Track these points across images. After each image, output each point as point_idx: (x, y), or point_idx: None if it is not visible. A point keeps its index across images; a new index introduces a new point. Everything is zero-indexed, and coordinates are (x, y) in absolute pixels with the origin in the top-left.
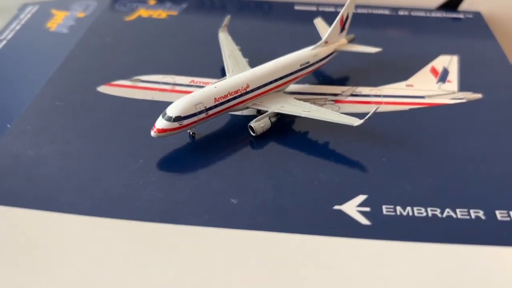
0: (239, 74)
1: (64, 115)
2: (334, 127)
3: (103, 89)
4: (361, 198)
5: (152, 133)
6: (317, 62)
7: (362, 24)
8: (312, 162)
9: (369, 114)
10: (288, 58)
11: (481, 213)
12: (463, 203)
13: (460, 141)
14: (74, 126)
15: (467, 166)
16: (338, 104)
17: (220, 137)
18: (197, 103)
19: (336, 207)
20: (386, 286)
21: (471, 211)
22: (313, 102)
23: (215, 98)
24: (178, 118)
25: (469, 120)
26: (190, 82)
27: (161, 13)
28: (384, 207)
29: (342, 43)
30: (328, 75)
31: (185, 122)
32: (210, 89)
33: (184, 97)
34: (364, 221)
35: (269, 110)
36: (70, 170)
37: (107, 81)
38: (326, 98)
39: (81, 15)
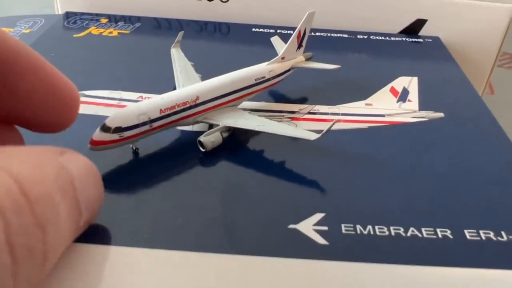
0: (189, 86)
1: None
2: (290, 144)
3: None
4: (318, 216)
5: (89, 146)
6: (273, 77)
7: (321, 46)
8: (266, 179)
9: (326, 129)
10: (243, 72)
11: (448, 233)
12: (429, 222)
13: (423, 159)
14: None
15: (432, 184)
16: (295, 122)
17: (166, 153)
18: (141, 113)
19: (291, 226)
20: None
21: (438, 230)
22: (269, 118)
23: (160, 110)
24: (118, 130)
25: (432, 138)
26: (138, 97)
27: (112, 31)
28: (343, 225)
29: (299, 60)
30: (285, 94)
31: (126, 134)
32: (156, 100)
33: (126, 107)
34: (321, 240)
35: (220, 124)
36: None
37: None
38: (283, 116)
39: (27, 31)
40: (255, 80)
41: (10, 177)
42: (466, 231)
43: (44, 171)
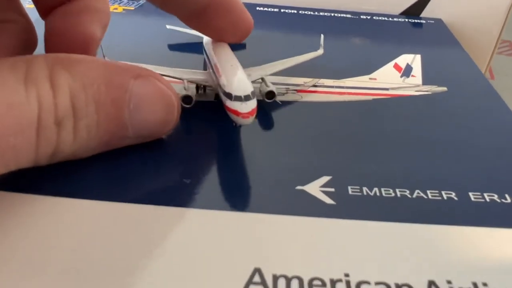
0: (220, 60)
1: None
2: (295, 111)
3: None
4: (325, 179)
5: (245, 121)
6: None
7: (325, 26)
8: (272, 145)
9: (321, 41)
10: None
11: (453, 195)
12: (434, 184)
13: (428, 128)
14: None
15: (436, 150)
16: (300, 94)
17: None
18: (248, 75)
19: (299, 187)
20: (351, 265)
21: (443, 192)
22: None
23: (244, 72)
24: (253, 93)
25: (436, 110)
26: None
27: (117, 8)
28: (349, 187)
29: None
30: (289, 69)
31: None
32: (231, 67)
33: (231, 74)
34: (328, 200)
35: (264, 77)
36: None
37: None
38: (288, 88)
39: (30, 6)
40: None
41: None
42: (470, 194)
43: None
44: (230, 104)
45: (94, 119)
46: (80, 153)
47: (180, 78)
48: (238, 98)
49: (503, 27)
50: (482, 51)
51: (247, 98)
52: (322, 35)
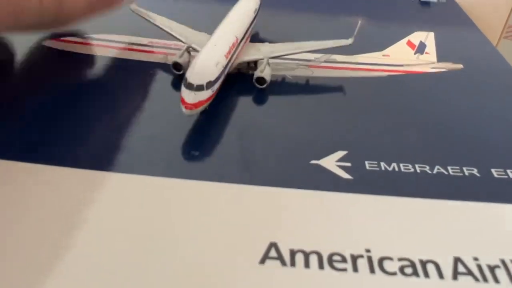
0: (219, 31)
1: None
2: (306, 86)
3: (50, 43)
4: (340, 153)
5: (185, 111)
6: (260, 7)
7: (337, 4)
8: (282, 119)
9: (356, 30)
10: (242, 7)
11: (475, 171)
12: (454, 161)
13: (446, 105)
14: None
15: (455, 127)
16: (312, 69)
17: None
18: (216, 62)
19: (313, 161)
20: (372, 240)
21: (464, 168)
22: (285, 66)
23: (225, 55)
24: (209, 84)
25: (453, 87)
26: (149, 43)
27: None
28: (366, 162)
29: None
30: None
31: (216, 87)
32: (214, 47)
33: (197, 59)
34: (345, 175)
35: (264, 58)
36: None
37: (54, 36)
38: (299, 63)
39: None
40: (254, 12)
41: None
42: (493, 170)
43: None
44: (182, 89)
45: None
46: (73, 14)
47: (184, 41)
48: (190, 86)
49: None
50: (491, 31)
51: (199, 88)
52: (359, 22)
